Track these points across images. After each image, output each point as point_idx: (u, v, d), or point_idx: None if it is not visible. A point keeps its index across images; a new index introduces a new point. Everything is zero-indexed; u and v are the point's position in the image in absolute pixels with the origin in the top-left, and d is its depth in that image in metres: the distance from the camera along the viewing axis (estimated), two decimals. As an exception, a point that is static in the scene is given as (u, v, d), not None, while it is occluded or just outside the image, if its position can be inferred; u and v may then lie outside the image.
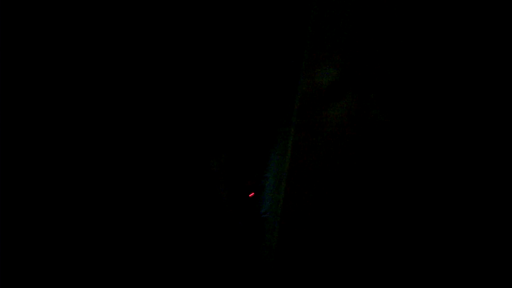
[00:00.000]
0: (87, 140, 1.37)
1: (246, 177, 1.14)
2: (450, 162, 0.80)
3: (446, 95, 0.79)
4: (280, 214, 0.87)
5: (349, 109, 0.82)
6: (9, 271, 1.30)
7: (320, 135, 0.85)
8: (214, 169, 1.17)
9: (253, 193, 1.10)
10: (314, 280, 0.88)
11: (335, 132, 0.83)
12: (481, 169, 0.82)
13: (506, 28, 0.82)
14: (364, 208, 0.83)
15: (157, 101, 1.32)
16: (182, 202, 1.27)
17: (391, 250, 0.84)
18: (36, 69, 1.32)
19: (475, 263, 0.81)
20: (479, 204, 0.83)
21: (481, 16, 0.82)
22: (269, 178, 0.99)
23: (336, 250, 0.85)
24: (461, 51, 0.82)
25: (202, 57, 1.26)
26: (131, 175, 1.34)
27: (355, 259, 0.84)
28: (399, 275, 0.84)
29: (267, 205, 0.97)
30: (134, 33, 1.36)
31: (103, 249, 1.32)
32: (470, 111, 0.81)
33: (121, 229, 1.35)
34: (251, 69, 1.17)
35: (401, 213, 0.83)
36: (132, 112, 1.35)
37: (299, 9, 0.93)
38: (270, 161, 1.01)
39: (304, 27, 0.86)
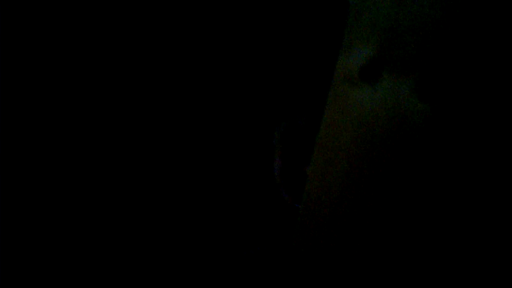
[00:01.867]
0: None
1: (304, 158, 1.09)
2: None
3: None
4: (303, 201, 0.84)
5: (384, 93, 0.78)
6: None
7: (349, 117, 0.82)
8: (275, 140, 1.13)
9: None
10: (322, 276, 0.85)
11: (366, 117, 0.80)
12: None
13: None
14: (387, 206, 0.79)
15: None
16: (239, 174, 1.24)
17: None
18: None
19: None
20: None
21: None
22: None
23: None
24: None
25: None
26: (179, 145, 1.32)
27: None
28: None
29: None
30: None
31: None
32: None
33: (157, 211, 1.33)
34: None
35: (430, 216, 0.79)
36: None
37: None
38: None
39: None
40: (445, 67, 0.71)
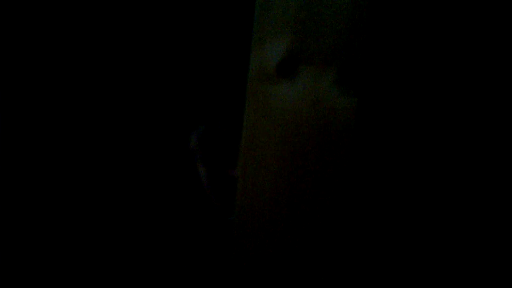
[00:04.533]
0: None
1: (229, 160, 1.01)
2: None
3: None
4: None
5: (303, 88, 0.74)
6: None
7: (272, 116, 0.77)
8: (192, 145, 1.03)
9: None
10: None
11: (288, 115, 0.75)
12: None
13: None
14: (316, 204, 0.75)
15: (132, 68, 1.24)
16: (157, 184, 1.19)
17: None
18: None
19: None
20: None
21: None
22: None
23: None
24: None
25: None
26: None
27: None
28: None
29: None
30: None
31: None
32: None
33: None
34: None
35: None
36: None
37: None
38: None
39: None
40: (369, 56, 0.67)
